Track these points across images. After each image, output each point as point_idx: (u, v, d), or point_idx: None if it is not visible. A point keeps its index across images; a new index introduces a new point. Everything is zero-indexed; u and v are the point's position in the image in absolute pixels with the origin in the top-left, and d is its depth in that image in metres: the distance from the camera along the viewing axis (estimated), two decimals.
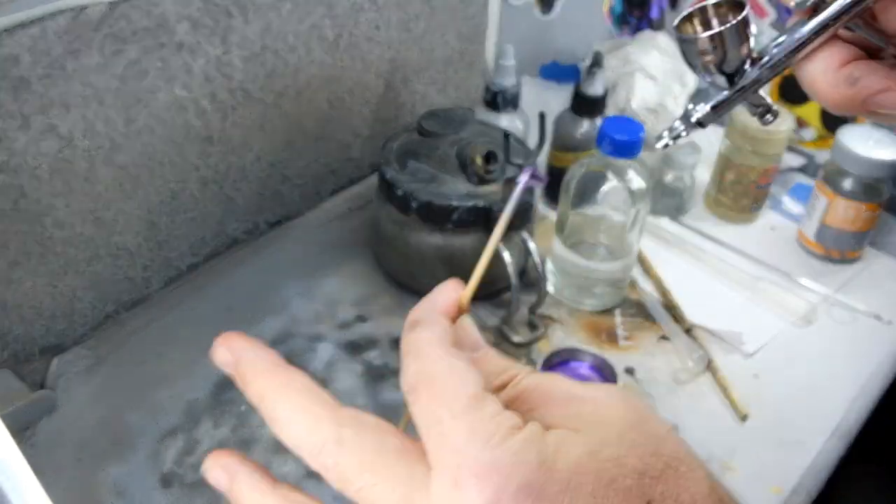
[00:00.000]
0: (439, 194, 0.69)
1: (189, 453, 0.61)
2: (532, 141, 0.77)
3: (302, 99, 0.80)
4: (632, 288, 0.79)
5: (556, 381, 0.28)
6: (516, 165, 0.71)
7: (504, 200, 0.69)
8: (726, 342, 0.74)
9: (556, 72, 1.09)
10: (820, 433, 0.66)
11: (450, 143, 0.73)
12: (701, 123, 0.34)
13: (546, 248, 0.81)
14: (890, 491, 0.86)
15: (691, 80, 0.87)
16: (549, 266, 0.78)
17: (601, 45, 0.97)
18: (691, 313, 0.75)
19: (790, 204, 0.91)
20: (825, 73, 0.30)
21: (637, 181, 0.71)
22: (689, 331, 0.74)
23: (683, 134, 0.35)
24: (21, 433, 0.62)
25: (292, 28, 0.75)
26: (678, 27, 0.32)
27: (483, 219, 0.69)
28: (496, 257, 0.72)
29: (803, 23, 0.30)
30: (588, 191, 0.72)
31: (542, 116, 0.78)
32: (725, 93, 0.33)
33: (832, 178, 0.80)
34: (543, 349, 0.72)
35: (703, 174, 0.91)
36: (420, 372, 0.27)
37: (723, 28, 0.31)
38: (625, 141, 0.68)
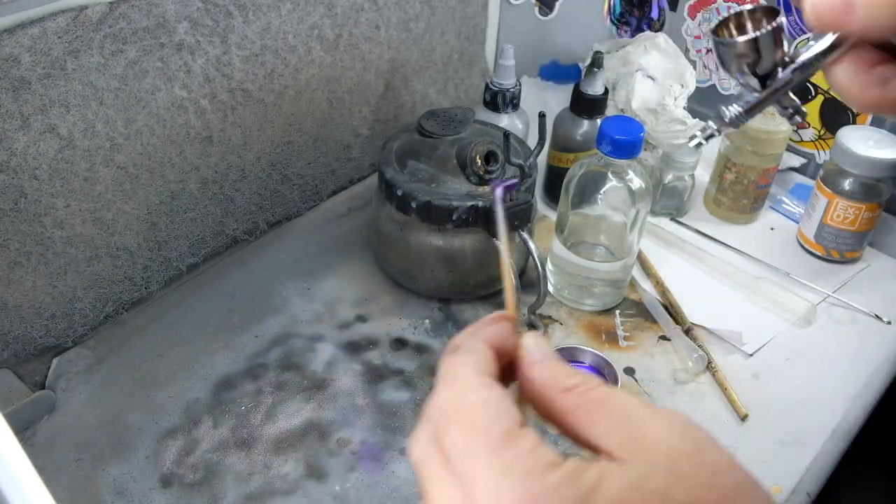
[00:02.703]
0: (439, 194, 0.69)
1: (189, 453, 0.61)
2: (532, 141, 0.77)
3: (302, 99, 0.80)
4: (632, 288, 0.79)
5: (620, 400, 0.27)
6: (516, 165, 0.71)
7: (504, 201, 0.69)
8: (726, 342, 0.74)
9: (556, 72, 1.09)
10: (820, 433, 0.66)
11: (449, 144, 0.73)
12: (734, 124, 0.36)
13: (545, 248, 0.81)
14: (890, 491, 0.86)
15: (691, 81, 0.87)
16: (549, 266, 0.78)
17: (601, 45, 0.97)
18: (691, 313, 0.75)
19: (790, 204, 0.91)
20: (855, 74, 0.31)
21: (637, 181, 0.71)
22: (688, 331, 0.74)
23: (716, 134, 0.36)
24: (21, 433, 0.62)
25: (292, 28, 0.75)
26: (715, 31, 0.34)
27: (483, 219, 0.69)
28: (496, 258, 0.72)
29: None
30: (588, 191, 0.72)
31: (542, 116, 0.78)
32: (757, 94, 0.34)
33: (832, 179, 0.80)
34: None
35: (703, 174, 0.91)
36: (454, 400, 0.26)
37: (760, 33, 0.32)
38: (625, 141, 0.68)
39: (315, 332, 0.72)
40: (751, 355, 0.73)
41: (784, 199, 0.91)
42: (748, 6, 0.34)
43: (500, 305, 0.33)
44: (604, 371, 0.67)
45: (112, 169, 0.66)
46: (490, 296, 0.76)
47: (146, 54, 0.64)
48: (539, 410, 0.28)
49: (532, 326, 0.74)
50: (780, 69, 0.33)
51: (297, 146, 0.82)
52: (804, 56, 0.32)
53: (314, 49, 0.78)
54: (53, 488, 0.31)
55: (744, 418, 0.66)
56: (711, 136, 0.37)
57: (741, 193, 0.86)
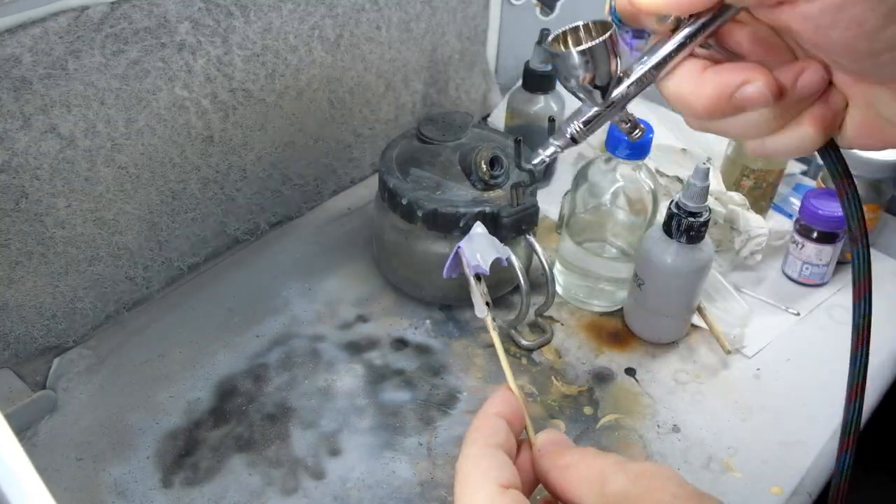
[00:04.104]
0: (445, 201, 0.69)
1: (189, 453, 0.61)
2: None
3: (303, 99, 0.80)
4: None
5: (596, 464, 0.33)
6: (527, 171, 0.70)
7: (511, 205, 0.69)
8: (726, 342, 0.73)
9: None
10: (820, 433, 0.66)
11: (451, 149, 0.73)
12: (574, 139, 0.37)
13: (549, 248, 0.81)
14: (891, 492, 0.86)
15: None
16: (557, 266, 0.78)
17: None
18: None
19: (792, 204, 0.91)
20: (689, 80, 0.32)
21: (647, 182, 0.71)
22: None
23: (560, 151, 0.38)
24: (22, 433, 0.62)
25: (293, 28, 0.75)
26: (551, 44, 0.34)
27: (490, 224, 0.68)
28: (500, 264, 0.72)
29: (663, 42, 0.33)
30: (596, 191, 0.72)
31: (551, 121, 0.78)
32: (596, 108, 0.35)
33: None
34: (547, 355, 0.72)
35: (712, 182, 0.90)
36: (463, 457, 0.34)
37: (593, 43, 0.33)
38: (635, 142, 0.68)
39: (316, 332, 0.72)
40: (751, 356, 0.73)
41: (787, 199, 0.91)
42: (581, 22, 0.35)
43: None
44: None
45: (113, 169, 0.67)
46: (495, 300, 0.76)
47: (147, 54, 0.64)
48: (547, 487, 0.35)
49: (540, 329, 0.74)
50: (616, 83, 0.34)
51: (298, 146, 0.82)
52: (639, 70, 0.34)
53: (315, 49, 0.78)
54: (54, 488, 0.31)
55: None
56: (555, 153, 0.38)
57: (760, 197, 0.86)
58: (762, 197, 0.86)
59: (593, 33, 0.34)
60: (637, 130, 0.37)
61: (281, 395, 0.66)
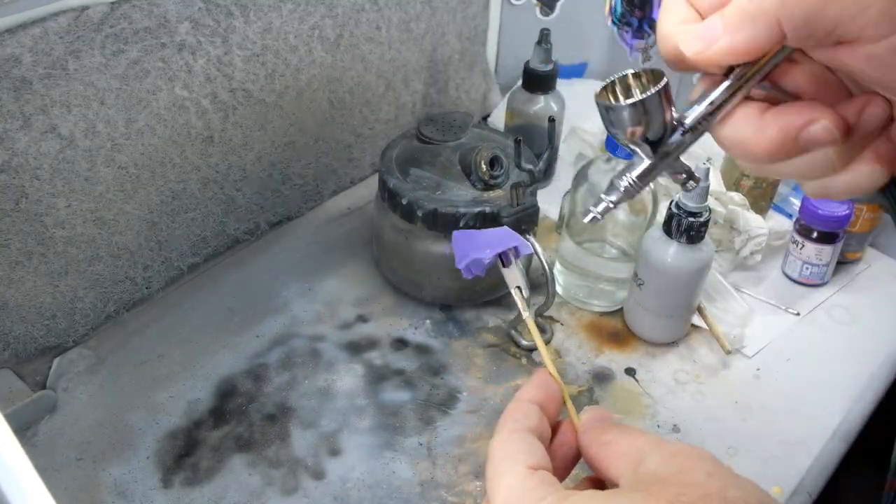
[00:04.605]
0: (445, 201, 0.69)
1: (189, 453, 0.61)
2: (567, 124, 0.78)
3: (303, 99, 0.80)
4: None
5: (637, 443, 0.33)
6: (526, 170, 0.70)
7: (511, 205, 0.69)
8: (727, 342, 0.73)
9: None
10: (821, 434, 0.66)
11: (451, 150, 0.73)
12: (629, 194, 0.35)
13: (549, 248, 0.81)
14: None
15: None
16: (557, 266, 0.78)
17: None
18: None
19: (792, 204, 0.91)
20: (749, 125, 0.31)
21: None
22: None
23: (611, 206, 0.35)
24: (22, 433, 0.62)
25: (293, 28, 0.75)
26: (599, 96, 0.33)
27: (490, 224, 0.68)
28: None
29: (716, 86, 0.31)
30: (597, 191, 0.72)
31: (551, 121, 0.78)
32: (648, 161, 0.33)
33: None
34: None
35: (712, 182, 0.90)
36: (492, 442, 0.34)
37: (646, 95, 0.31)
38: None
39: (316, 332, 0.72)
40: (751, 356, 0.73)
41: (791, 199, 0.91)
42: (631, 70, 0.33)
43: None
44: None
45: (113, 169, 0.67)
46: (495, 301, 0.76)
47: (147, 54, 0.64)
48: (588, 463, 0.35)
49: (540, 329, 0.74)
50: (669, 133, 0.32)
51: (298, 146, 0.82)
52: (693, 116, 0.32)
53: (315, 49, 0.78)
54: (54, 488, 0.31)
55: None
56: (608, 209, 0.35)
57: (760, 197, 0.86)
58: (762, 197, 0.86)
59: (644, 81, 0.32)
60: (691, 181, 0.35)
61: (281, 395, 0.66)
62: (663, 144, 0.33)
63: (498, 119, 1.00)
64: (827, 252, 0.78)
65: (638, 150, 0.33)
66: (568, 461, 0.36)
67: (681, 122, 0.32)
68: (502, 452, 0.33)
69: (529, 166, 0.70)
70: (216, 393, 0.66)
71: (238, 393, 0.66)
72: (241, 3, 0.69)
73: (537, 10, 1.03)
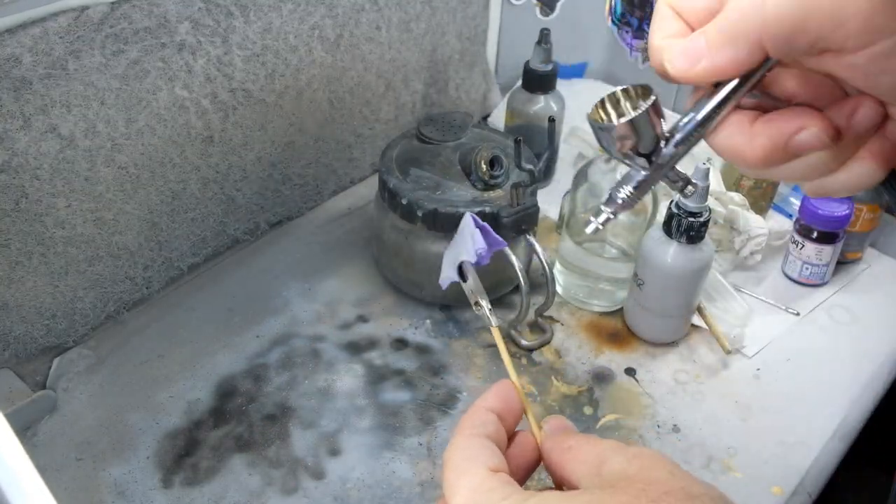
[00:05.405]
0: (445, 201, 0.69)
1: (189, 453, 0.61)
2: (567, 123, 0.78)
3: (303, 99, 0.80)
4: None
5: (597, 447, 0.33)
6: (526, 170, 0.70)
7: (511, 205, 0.69)
8: (727, 342, 0.74)
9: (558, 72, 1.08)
10: (821, 434, 0.66)
11: (451, 150, 0.73)
12: (627, 205, 0.36)
13: (549, 248, 0.81)
14: (889, 491, 0.86)
15: None
16: (557, 267, 0.78)
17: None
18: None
19: (792, 204, 0.91)
20: (740, 133, 0.31)
21: None
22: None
23: (611, 217, 0.36)
24: (22, 433, 0.62)
25: (293, 28, 0.75)
26: (591, 115, 0.34)
27: (491, 224, 0.68)
28: (504, 261, 0.72)
29: (708, 97, 0.32)
30: (597, 191, 0.72)
31: (551, 121, 0.78)
32: (644, 173, 0.34)
33: None
34: (547, 355, 0.72)
35: (712, 182, 0.90)
36: (449, 446, 0.34)
37: (637, 114, 0.32)
38: None
39: (316, 332, 0.72)
40: (751, 356, 0.73)
41: (791, 199, 0.91)
42: (621, 87, 0.33)
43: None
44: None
45: (113, 169, 0.67)
46: (494, 301, 0.76)
47: (147, 54, 0.64)
48: (548, 469, 0.35)
49: (539, 329, 0.74)
50: (662, 145, 0.33)
51: (297, 146, 0.82)
52: (685, 129, 0.33)
53: (315, 49, 0.78)
54: (54, 488, 0.31)
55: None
56: (608, 220, 0.36)
57: (760, 197, 0.86)
58: (762, 197, 0.86)
59: (633, 97, 0.33)
60: (689, 187, 0.36)
61: (281, 395, 0.66)
62: (657, 157, 0.33)
63: (498, 119, 1.00)
64: (827, 252, 0.78)
65: (632, 163, 0.34)
66: (523, 470, 0.36)
67: (672, 135, 0.33)
68: (462, 454, 0.33)
69: (529, 166, 0.70)
70: (216, 393, 0.66)
71: (238, 393, 0.66)
72: (241, 3, 0.69)
73: (537, 10, 1.03)
